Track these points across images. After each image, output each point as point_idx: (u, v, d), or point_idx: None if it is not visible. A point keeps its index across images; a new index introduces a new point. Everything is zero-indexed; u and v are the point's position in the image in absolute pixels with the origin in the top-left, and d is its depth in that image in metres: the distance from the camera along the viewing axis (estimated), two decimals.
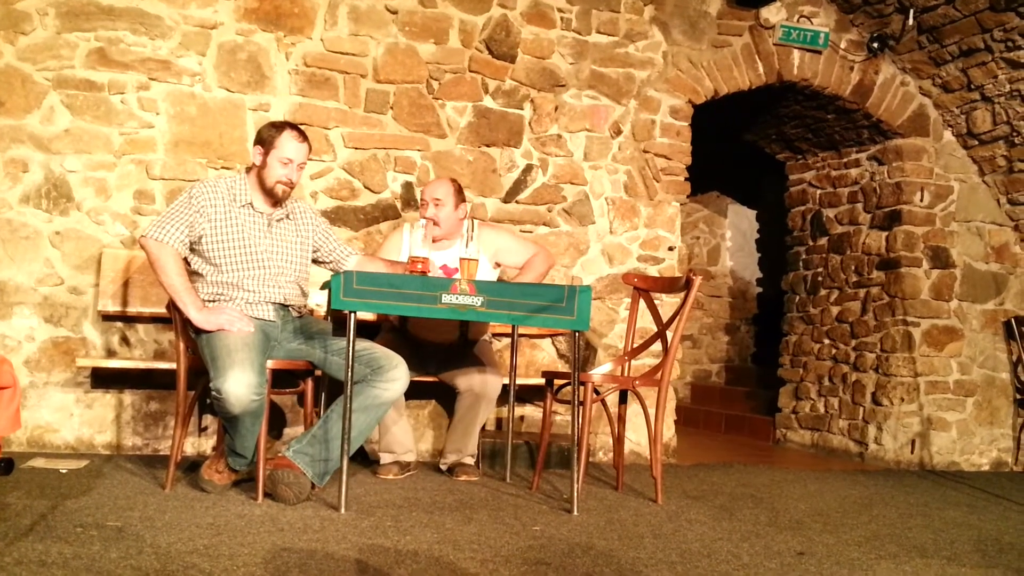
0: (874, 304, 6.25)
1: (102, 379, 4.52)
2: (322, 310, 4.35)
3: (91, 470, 3.98)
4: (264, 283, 3.74)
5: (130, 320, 4.57)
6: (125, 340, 4.58)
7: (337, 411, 3.60)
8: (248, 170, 3.85)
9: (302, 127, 3.92)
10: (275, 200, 3.79)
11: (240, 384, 3.37)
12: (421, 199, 4.51)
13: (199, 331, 3.60)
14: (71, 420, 4.48)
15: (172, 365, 3.89)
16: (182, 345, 3.69)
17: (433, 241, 4.32)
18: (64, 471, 3.91)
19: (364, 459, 4.57)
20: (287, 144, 3.72)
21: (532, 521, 3.48)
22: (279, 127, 3.79)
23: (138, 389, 4.57)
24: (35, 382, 4.44)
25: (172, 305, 3.63)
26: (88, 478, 3.79)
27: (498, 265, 4.50)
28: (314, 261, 3.99)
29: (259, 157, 3.74)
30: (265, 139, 3.75)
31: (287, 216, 3.87)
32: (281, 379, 3.83)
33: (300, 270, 3.88)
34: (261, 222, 3.78)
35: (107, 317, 4.53)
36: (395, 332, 4.49)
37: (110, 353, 4.54)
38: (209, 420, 4.57)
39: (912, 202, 6.07)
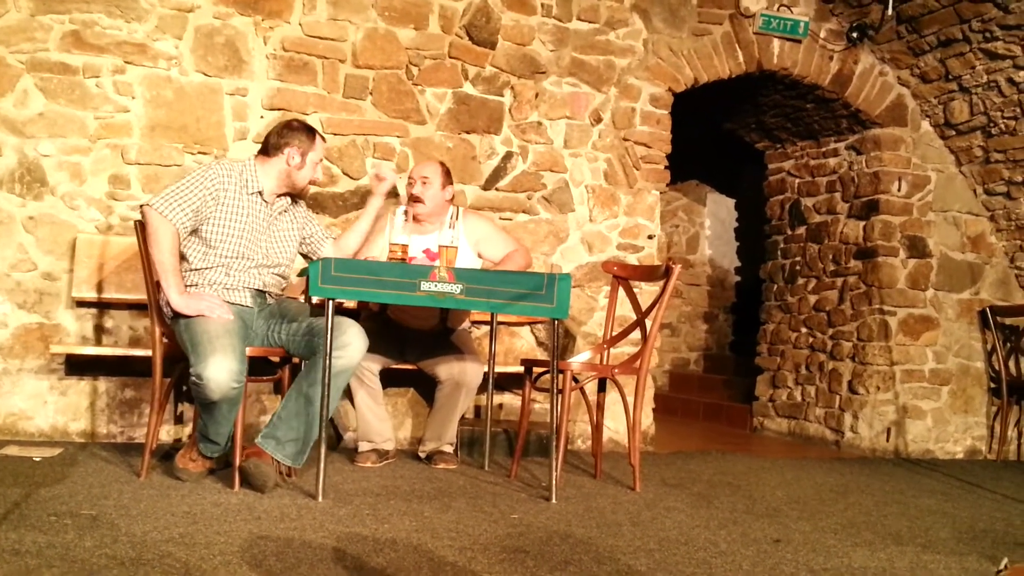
0: (851, 293, 6.28)
1: (77, 366, 4.48)
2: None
3: (65, 458, 3.94)
4: (251, 274, 3.72)
5: (105, 307, 4.52)
6: (100, 327, 4.53)
7: (296, 389, 3.60)
8: (261, 163, 3.81)
9: (280, 112, 3.91)
10: (296, 195, 3.91)
11: (222, 370, 3.35)
12: (409, 178, 4.50)
13: (177, 317, 3.58)
14: (45, 407, 4.44)
15: (148, 352, 3.86)
16: (158, 332, 3.65)
17: (416, 221, 4.36)
18: (38, 459, 3.87)
19: (344, 449, 4.55)
20: (320, 147, 3.88)
21: (511, 509, 3.48)
22: (310, 130, 3.87)
23: (113, 376, 4.53)
24: (8, 369, 4.40)
25: (150, 290, 3.60)
26: (62, 466, 3.76)
27: (480, 256, 4.49)
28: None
29: (298, 157, 3.78)
30: (303, 140, 3.80)
31: (286, 209, 3.90)
32: (258, 366, 3.80)
33: (289, 261, 3.92)
34: (266, 212, 3.80)
35: (82, 303, 4.48)
36: (375, 319, 4.47)
37: (85, 340, 4.50)
38: (185, 407, 4.54)
39: (890, 192, 6.10)
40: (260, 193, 3.77)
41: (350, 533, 2.94)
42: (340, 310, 3.91)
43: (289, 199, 3.91)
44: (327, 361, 3.47)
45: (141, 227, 3.62)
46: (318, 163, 3.86)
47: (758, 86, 6.11)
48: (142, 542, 2.67)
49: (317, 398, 3.55)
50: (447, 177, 4.47)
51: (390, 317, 4.44)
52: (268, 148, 3.81)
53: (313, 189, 4.78)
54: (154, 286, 3.63)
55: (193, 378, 3.41)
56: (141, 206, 3.63)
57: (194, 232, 3.68)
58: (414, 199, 4.39)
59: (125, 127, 4.56)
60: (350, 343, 3.62)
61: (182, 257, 3.69)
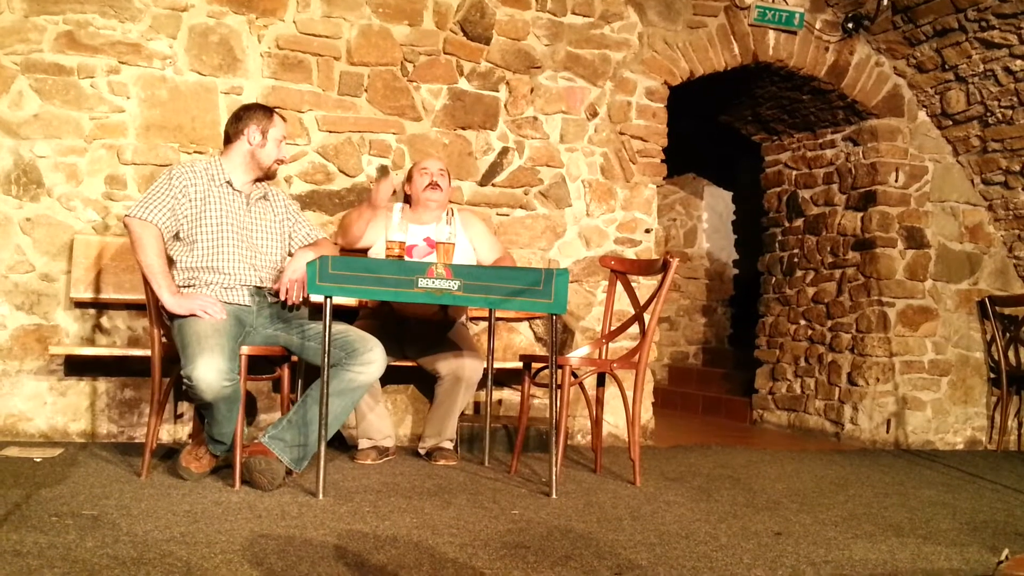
0: (849, 285, 6.28)
1: (76, 367, 4.47)
2: None
3: (65, 458, 3.94)
4: (241, 264, 3.72)
5: (104, 307, 4.52)
6: (99, 327, 4.53)
7: (312, 396, 3.59)
8: (222, 153, 3.87)
9: (276, 110, 3.93)
10: (265, 179, 3.91)
11: (210, 370, 3.35)
12: (421, 170, 4.56)
13: (173, 317, 3.58)
14: (44, 408, 4.43)
15: (147, 352, 3.86)
16: (157, 332, 3.65)
17: (419, 206, 4.51)
18: (38, 460, 3.87)
19: (342, 445, 4.55)
20: (280, 124, 3.90)
21: (511, 505, 3.48)
22: (265, 109, 3.91)
23: (112, 376, 4.52)
24: (7, 370, 4.39)
25: (148, 290, 3.61)
26: (62, 467, 3.76)
27: (474, 250, 4.51)
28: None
29: (258, 135, 3.81)
30: (261, 118, 3.84)
31: (264, 197, 3.90)
32: (257, 365, 3.80)
33: (279, 251, 3.89)
34: (240, 200, 3.81)
35: (80, 304, 4.48)
36: (375, 315, 4.47)
37: (83, 340, 4.49)
38: (184, 407, 4.54)
39: (887, 183, 6.10)
40: (229, 183, 3.79)
41: (351, 530, 2.94)
42: (340, 309, 3.90)
43: (266, 187, 3.94)
44: (330, 372, 3.51)
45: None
46: (280, 140, 3.87)
47: (754, 78, 6.10)
48: (143, 542, 2.67)
49: (335, 408, 3.57)
50: (449, 175, 4.66)
51: (392, 307, 4.44)
52: (228, 136, 3.87)
53: (308, 187, 4.80)
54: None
55: (184, 380, 3.41)
56: (123, 219, 3.67)
57: (176, 236, 3.71)
58: (433, 186, 4.49)
59: (120, 127, 4.55)
60: (374, 361, 3.67)
61: (171, 261, 3.71)
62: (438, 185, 4.52)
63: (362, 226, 4.39)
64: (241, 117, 3.85)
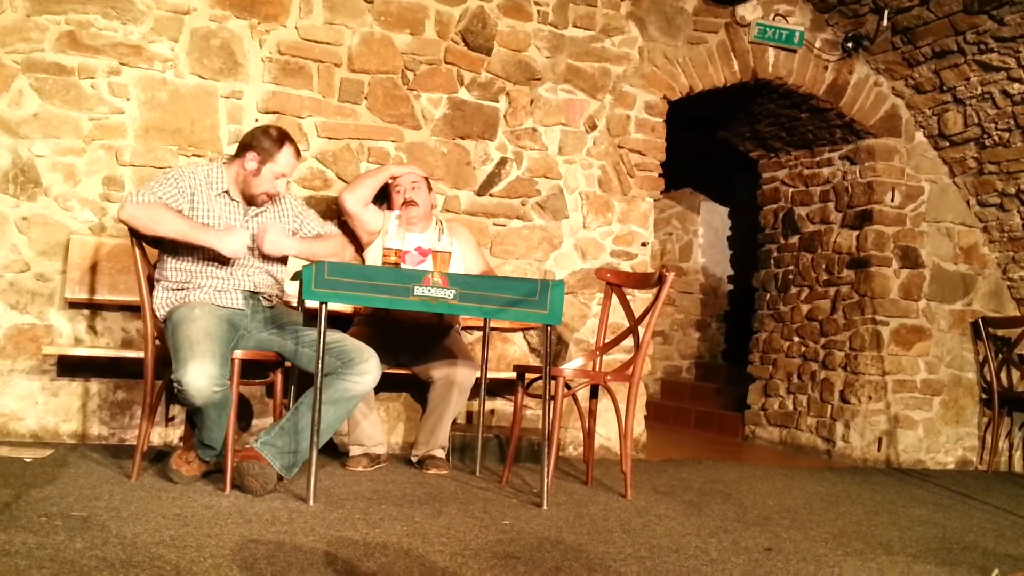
0: (844, 303, 6.30)
1: (68, 367, 4.46)
2: (294, 300, 4.31)
3: (56, 459, 3.93)
4: (236, 270, 3.71)
5: (98, 308, 4.51)
6: (92, 328, 4.52)
7: (306, 403, 3.58)
8: (228, 163, 3.82)
9: (275, 116, 3.91)
10: (249, 202, 3.80)
11: (201, 376, 3.34)
12: (394, 184, 4.57)
13: (167, 320, 3.57)
14: (36, 408, 4.42)
15: (140, 354, 3.85)
16: (150, 334, 3.65)
17: (409, 223, 4.45)
18: (28, 460, 3.85)
19: (334, 451, 4.54)
20: (286, 160, 3.74)
21: (502, 515, 3.48)
22: (280, 140, 3.74)
23: (105, 378, 4.51)
24: None
25: (142, 292, 3.60)
26: (53, 467, 3.74)
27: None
28: None
29: (254, 163, 3.71)
30: (266, 149, 3.70)
31: (264, 209, 3.86)
32: (250, 369, 3.79)
33: (276, 258, 3.86)
34: (237, 210, 3.77)
35: (74, 304, 4.47)
36: (369, 322, 4.46)
37: (77, 341, 4.48)
38: (176, 410, 4.53)
39: (883, 202, 6.12)
40: (227, 193, 3.76)
41: (341, 537, 2.94)
42: (335, 315, 3.90)
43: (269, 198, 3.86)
44: (325, 380, 3.52)
45: (133, 233, 3.61)
46: (278, 177, 3.74)
47: (753, 95, 6.13)
48: (132, 544, 2.66)
49: (328, 417, 3.57)
50: (427, 181, 4.65)
51: (387, 312, 4.43)
52: (239, 148, 3.81)
53: (306, 192, 4.80)
54: (147, 288, 3.64)
55: (175, 384, 3.40)
56: (120, 213, 3.59)
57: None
58: (409, 203, 4.48)
59: (119, 128, 4.55)
60: (369, 372, 3.65)
61: (164, 263, 3.70)
62: (413, 201, 4.49)
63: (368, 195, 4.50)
64: (253, 136, 3.76)
